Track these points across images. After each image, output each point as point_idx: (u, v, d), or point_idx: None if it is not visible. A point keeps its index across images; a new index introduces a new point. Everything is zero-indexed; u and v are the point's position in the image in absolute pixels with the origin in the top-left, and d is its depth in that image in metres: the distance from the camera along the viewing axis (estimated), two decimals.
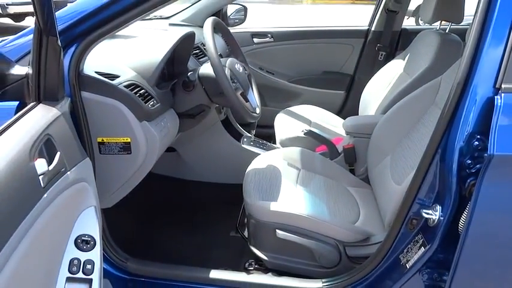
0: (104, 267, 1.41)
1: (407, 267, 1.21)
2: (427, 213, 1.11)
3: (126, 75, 1.45)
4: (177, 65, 1.85)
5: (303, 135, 2.19)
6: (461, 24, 2.09)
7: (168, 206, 2.21)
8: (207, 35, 1.61)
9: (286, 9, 13.63)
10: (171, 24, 2.48)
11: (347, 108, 2.97)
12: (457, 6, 2.03)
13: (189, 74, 1.76)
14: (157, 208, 2.18)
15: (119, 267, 1.47)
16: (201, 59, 2.14)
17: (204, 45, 2.15)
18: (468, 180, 1.03)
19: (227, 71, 1.66)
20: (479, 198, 1.00)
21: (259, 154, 1.98)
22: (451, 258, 1.09)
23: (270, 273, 1.53)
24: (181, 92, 1.74)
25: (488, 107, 0.99)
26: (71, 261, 1.00)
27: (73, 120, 1.17)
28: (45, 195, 0.88)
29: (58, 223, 0.97)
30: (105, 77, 1.35)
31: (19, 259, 0.79)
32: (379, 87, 2.32)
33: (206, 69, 1.73)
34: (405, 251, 1.22)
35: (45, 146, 0.94)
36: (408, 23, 3.65)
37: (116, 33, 1.31)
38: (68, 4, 1.25)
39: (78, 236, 1.03)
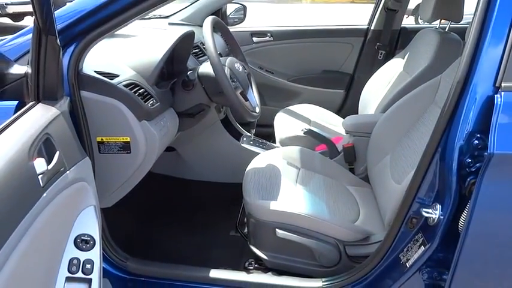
0: (103, 267, 1.41)
1: (407, 266, 1.21)
2: (427, 212, 1.11)
3: (125, 74, 1.45)
4: (177, 64, 1.85)
5: (303, 134, 2.18)
6: (461, 22, 2.09)
7: (168, 206, 2.21)
8: (206, 34, 1.61)
9: (286, 8, 13.61)
10: (170, 24, 2.48)
11: (347, 107, 2.97)
12: (457, 4, 2.02)
13: (188, 73, 1.76)
14: (157, 207, 2.18)
15: (119, 266, 1.47)
16: (200, 58, 2.14)
17: (203, 45, 2.15)
18: (468, 179, 1.03)
19: (227, 70, 1.66)
20: (479, 197, 0.99)
21: (259, 153, 1.98)
22: (451, 257, 1.09)
23: (270, 273, 1.53)
24: (181, 91, 1.74)
25: (488, 105, 0.99)
26: (71, 260, 1.00)
27: (72, 119, 1.17)
28: (45, 194, 0.88)
29: (57, 222, 0.96)
30: (104, 76, 1.35)
31: (18, 258, 0.79)
32: (379, 86, 2.32)
33: (206, 68, 1.73)
34: (405, 250, 1.22)
35: (44, 145, 0.94)
36: (408, 21, 3.64)
37: (115, 33, 1.31)
38: (67, 3, 1.25)
39: (77, 236, 1.03)
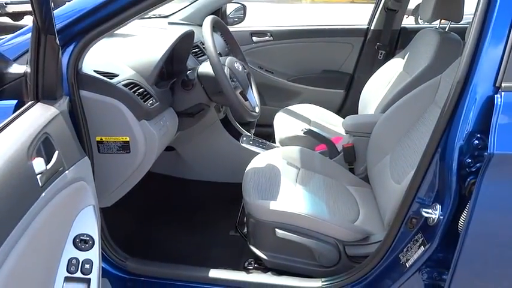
0: (103, 267, 1.41)
1: (407, 266, 1.20)
2: (427, 212, 1.11)
3: (125, 74, 1.45)
4: (176, 63, 1.85)
5: (303, 134, 2.18)
6: (461, 22, 2.09)
7: (167, 205, 2.21)
8: (206, 34, 1.61)
9: (286, 8, 13.61)
10: (170, 23, 2.47)
11: (346, 107, 2.97)
12: (457, 4, 2.02)
13: (188, 72, 1.76)
14: (156, 207, 2.17)
15: (118, 266, 1.47)
16: (200, 58, 2.14)
17: (203, 44, 2.15)
18: (468, 179, 1.03)
19: (226, 70, 1.66)
20: (479, 197, 0.99)
21: (259, 153, 1.98)
22: (450, 258, 1.09)
23: (269, 273, 1.53)
24: (181, 90, 1.74)
25: (488, 105, 0.99)
26: (70, 260, 1.00)
27: (72, 119, 1.17)
28: (43, 194, 0.87)
29: (56, 222, 0.96)
30: (104, 76, 1.35)
31: (17, 258, 0.79)
32: (379, 86, 2.32)
33: (205, 68, 1.73)
34: (405, 250, 1.22)
35: (43, 145, 0.94)
36: (408, 21, 3.64)
37: (115, 32, 1.31)
38: (67, 3, 1.25)
39: (76, 236, 1.03)
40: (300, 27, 3.08)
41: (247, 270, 1.55)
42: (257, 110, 1.82)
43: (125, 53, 1.63)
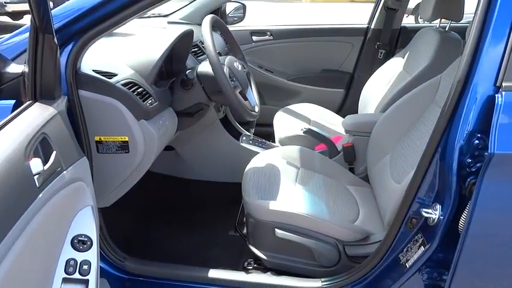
0: (101, 267, 1.41)
1: (407, 266, 1.20)
2: (427, 212, 1.10)
3: (124, 73, 1.44)
4: (176, 63, 1.84)
5: (302, 134, 2.18)
6: (461, 21, 2.08)
7: (167, 205, 2.20)
8: (205, 33, 1.60)
9: (285, 7, 13.60)
10: (169, 22, 2.47)
11: (346, 106, 2.96)
12: (457, 3, 2.02)
13: (187, 72, 1.75)
14: (155, 207, 2.17)
15: (117, 266, 1.47)
16: (199, 57, 2.13)
17: (202, 43, 2.14)
18: (468, 179, 1.02)
19: (226, 69, 1.65)
20: (480, 197, 0.99)
21: (258, 153, 1.97)
22: (451, 258, 1.09)
23: (269, 273, 1.52)
24: (180, 90, 1.73)
25: (489, 105, 0.98)
26: (67, 261, 0.99)
27: (70, 119, 1.17)
28: (41, 195, 0.87)
29: (54, 223, 0.96)
30: (102, 76, 1.34)
31: (14, 259, 0.78)
32: (379, 86, 2.31)
33: (205, 67, 1.72)
34: (405, 250, 1.22)
35: (41, 145, 0.93)
36: (408, 21, 3.64)
37: (114, 31, 1.31)
38: (66, 2, 1.24)
39: (74, 236, 1.02)
40: (300, 27, 3.07)
41: (246, 271, 1.55)
42: (256, 109, 1.81)
43: (124, 52, 1.63)
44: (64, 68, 1.21)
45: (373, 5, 2.94)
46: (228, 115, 2.41)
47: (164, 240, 1.93)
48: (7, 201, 0.79)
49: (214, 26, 1.75)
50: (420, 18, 2.35)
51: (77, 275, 0.99)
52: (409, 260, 1.19)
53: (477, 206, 1.00)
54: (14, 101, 1.12)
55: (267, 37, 2.94)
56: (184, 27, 1.88)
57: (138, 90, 1.44)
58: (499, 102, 0.96)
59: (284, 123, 2.34)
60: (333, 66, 2.99)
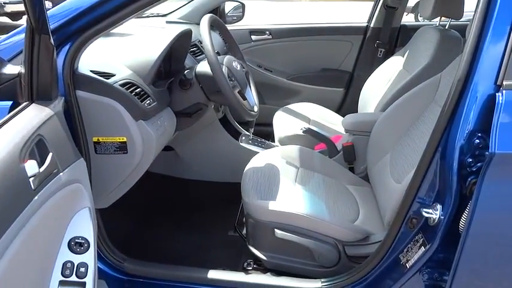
0: (100, 268, 1.40)
1: (407, 266, 1.19)
2: (427, 212, 1.10)
3: (121, 73, 1.43)
4: (174, 63, 1.83)
5: (302, 133, 2.17)
6: (461, 20, 2.07)
7: (166, 205, 2.20)
8: (203, 32, 1.59)
9: (284, 6, 13.59)
10: (168, 22, 2.46)
11: (346, 105, 2.96)
12: (457, 1, 2.01)
13: (185, 72, 1.74)
14: (154, 207, 2.16)
15: (116, 267, 1.46)
16: (198, 57, 2.12)
17: (201, 43, 2.13)
18: (469, 179, 1.02)
19: (224, 69, 1.64)
20: (480, 197, 0.98)
21: (258, 152, 1.96)
22: (451, 258, 1.08)
23: (268, 273, 1.51)
24: (178, 90, 1.72)
25: (489, 104, 0.98)
26: (64, 264, 0.98)
27: (68, 119, 1.16)
28: (36, 197, 0.86)
29: (51, 225, 0.95)
30: (100, 76, 1.33)
31: (10, 262, 0.78)
32: (379, 84, 2.30)
33: (203, 67, 1.71)
34: (405, 250, 1.21)
35: (37, 146, 0.93)
36: (407, 19, 3.63)
37: (111, 31, 1.30)
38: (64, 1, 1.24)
39: (71, 239, 1.01)
40: (299, 25, 3.06)
41: (246, 271, 1.54)
42: (256, 109, 1.80)
43: (122, 52, 1.62)
44: (61, 68, 1.20)
45: (372, 3, 2.93)
46: (228, 115, 2.40)
47: (163, 241, 1.93)
48: (2, 203, 0.78)
49: (213, 26, 1.74)
50: (420, 16, 2.35)
51: (73, 278, 0.98)
52: (409, 260, 1.19)
53: (478, 206, 0.99)
54: (11, 102, 1.11)
55: (266, 36, 2.93)
56: (183, 27, 1.87)
57: (136, 90, 1.43)
58: (500, 101, 0.95)
59: (283, 123, 2.33)
60: (333, 65, 2.98)
